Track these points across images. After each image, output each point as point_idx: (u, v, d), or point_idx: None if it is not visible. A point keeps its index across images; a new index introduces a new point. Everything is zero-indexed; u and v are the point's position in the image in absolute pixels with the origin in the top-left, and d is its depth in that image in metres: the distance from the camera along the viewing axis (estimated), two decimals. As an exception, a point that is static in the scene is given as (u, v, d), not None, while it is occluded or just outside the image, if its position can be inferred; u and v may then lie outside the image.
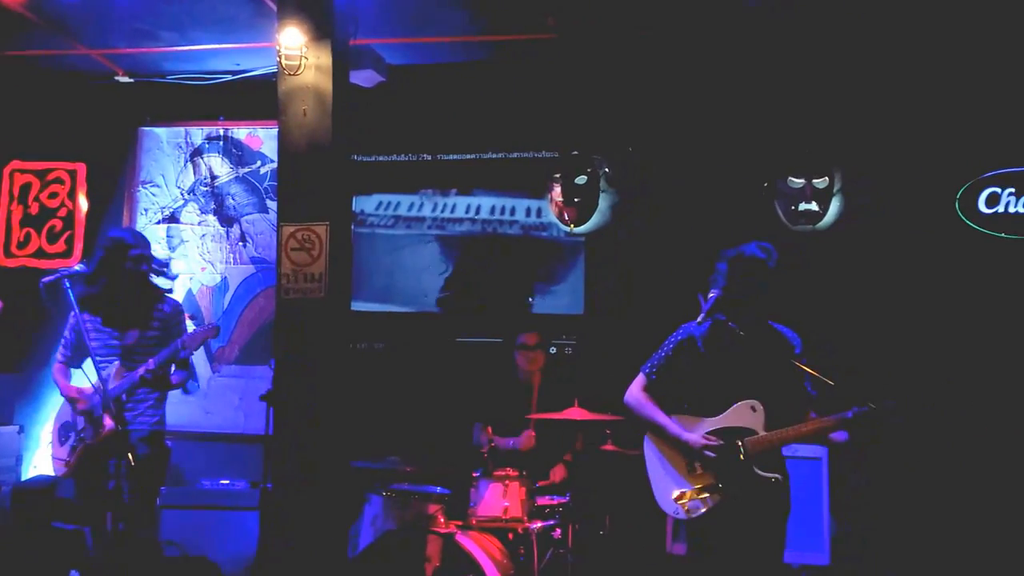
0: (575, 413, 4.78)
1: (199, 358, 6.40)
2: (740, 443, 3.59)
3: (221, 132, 6.63)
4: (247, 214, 6.57)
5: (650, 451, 3.77)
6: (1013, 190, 5.52)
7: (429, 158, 6.39)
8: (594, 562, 4.81)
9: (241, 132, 6.61)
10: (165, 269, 5.03)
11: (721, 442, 3.60)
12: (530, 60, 5.93)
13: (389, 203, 6.42)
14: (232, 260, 6.57)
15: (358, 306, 5.92)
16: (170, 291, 5.09)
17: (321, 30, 4.78)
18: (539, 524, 4.66)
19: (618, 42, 5.66)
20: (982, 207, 5.55)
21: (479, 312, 6.21)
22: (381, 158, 6.42)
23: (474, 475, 4.74)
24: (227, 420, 6.39)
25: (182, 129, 6.69)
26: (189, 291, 6.55)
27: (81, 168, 6.68)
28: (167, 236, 6.63)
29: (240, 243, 6.56)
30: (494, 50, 5.90)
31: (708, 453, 3.59)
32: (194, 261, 6.60)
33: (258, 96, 5.82)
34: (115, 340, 4.59)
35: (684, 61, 5.77)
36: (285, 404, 4.72)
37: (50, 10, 5.44)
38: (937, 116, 5.53)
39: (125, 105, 6.59)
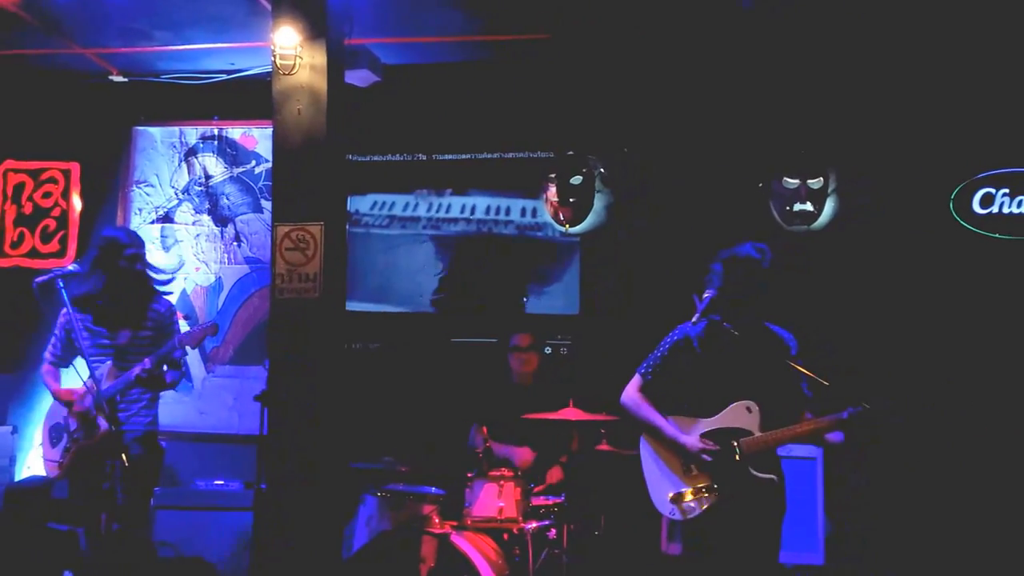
0: (570, 413, 4.78)
1: (193, 359, 6.39)
2: (736, 444, 3.59)
3: (215, 132, 6.61)
4: (241, 214, 6.56)
5: (646, 452, 3.77)
6: (1007, 191, 5.54)
7: (424, 158, 6.38)
8: (589, 562, 4.81)
9: (236, 132, 6.60)
10: (164, 278, 5.03)
11: (718, 447, 3.60)
12: (525, 60, 5.92)
13: (384, 203, 6.41)
14: (226, 260, 6.55)
15: (353, 306, 5.92)
16: (167, 283, 5.09)
17: (316, 29, 4.77)
18: (534, 524, 4.65)
19: (613, 43, 5.66)
20: (976, 208, 5.57)
21: (474, 312, 6.20)
22: (376, 158, 6.42)
23: (469, 475, 4.73)
24: (221, 420, 6.38)
25: (176, 129, 6.67)
26: (183, 291, 6.54)
27: (75, 168, 6.66)
28: (161, 236, 6.62)
29: (234, 243, 6.54)
30: (490, 50, 5.90)
31: (704, 457, 3.59)
32: (188, 261, 6.58)
33: (253, 96, 5.80)
34: (108, 340, 4.57)
35: (679, 62, 5.78)
36: (280, 404, 4.71)
37: (44, 9, 5.43)
38: (932, 117, 5.54)
39: (119, 104, 6.57)
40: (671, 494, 3.65)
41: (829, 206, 5.78)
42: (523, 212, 6.24)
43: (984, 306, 5.39)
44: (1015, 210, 5.53)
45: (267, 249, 5.31)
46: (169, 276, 6.33)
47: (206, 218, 6.59)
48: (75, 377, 4.52)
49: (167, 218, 6.64)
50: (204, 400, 6.44)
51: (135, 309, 4.63)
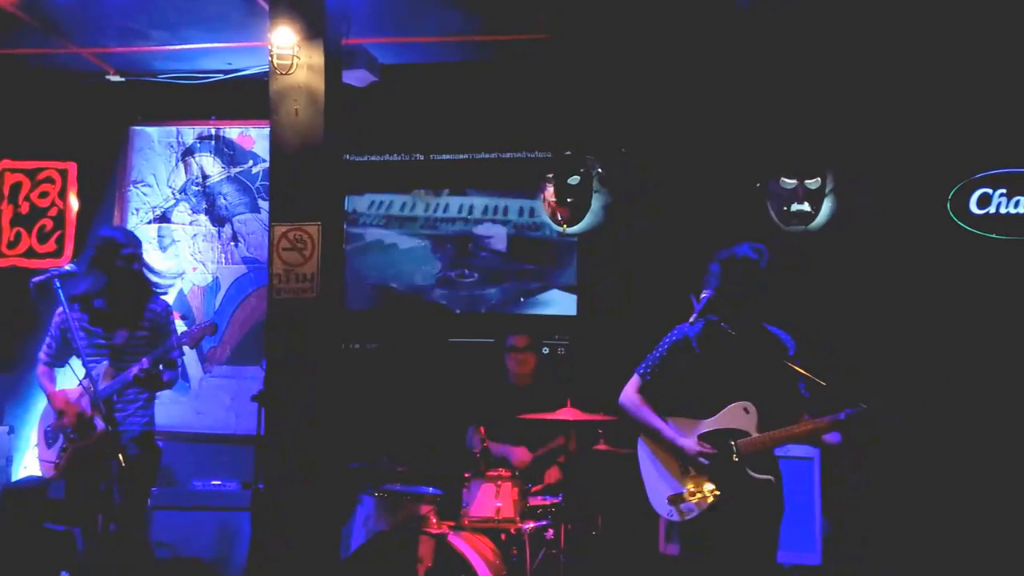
0: (568, 413, 4.78)
1: (191, 359, 6.38)
2: (733, 445, 3.59)
3: (213, 131, 6.61)
4: (239, 214, 6.55)
5: (644, 453, 3.77)
6: (1004, 191, 5.54)
7: (422, 158, 6.38)
8: (587, 563, 4.81)
9: (233, 131, 6.59)
10: (163, 283, 5.02)
11: (715, 450, 3.60)
12: (523, 60, 5.92)
13: (381, 203, 6.41)
14: (224, 260, 6.55)
15: (350, 306, 5.92)
16: (164, 292, 5.08)
17: (313, 29, 4.77)
18: (531, 524, 4.65)
19: (611, 43, 5.66)
20: (973, 208, 5.57)
21: (472, 312, 6.20)
22: (373, 158, 6.41)
23: (466, 475, 4.73)
24: (218, 421, 6.37)
25: (173, 128, 6.66)
26: (180, 291, 6.53)
27: (72, 167, 6.65)
28: (158, 236, 6.61)
29: (232, 243, 6.54)
30: (487, 50, 5.90)
31: (702, 460, 3.59)
32: (185, 261, 6.58)
33: (250, 95, 5.80)
34: (104, 340, 4.56)
35: (677, 62, 5.78)
36: (277, 404, 4.71)
37: (42, 9, 5.42)
38: (929, 117, 5.55)
39: (116, 104, 6.56)
40: (669, 495, 3.65)
41: (826, 206, 5.79)
42: (521, 212, 6.23)
43: (981, 306, 5.39)
44: (1012, 210, 5.54)
45: (264, 249, 5.31)
46: (169, 282, 6.34)
47: (203, 218, 6.58)
48: (71, 377, 4.51)
49: (164, 218, 6.63)
50: (201, 400, 6.43)
51: (132, 309, 4.63)
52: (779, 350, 3.69)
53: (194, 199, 6.60)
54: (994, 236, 5.53)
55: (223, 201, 6.57)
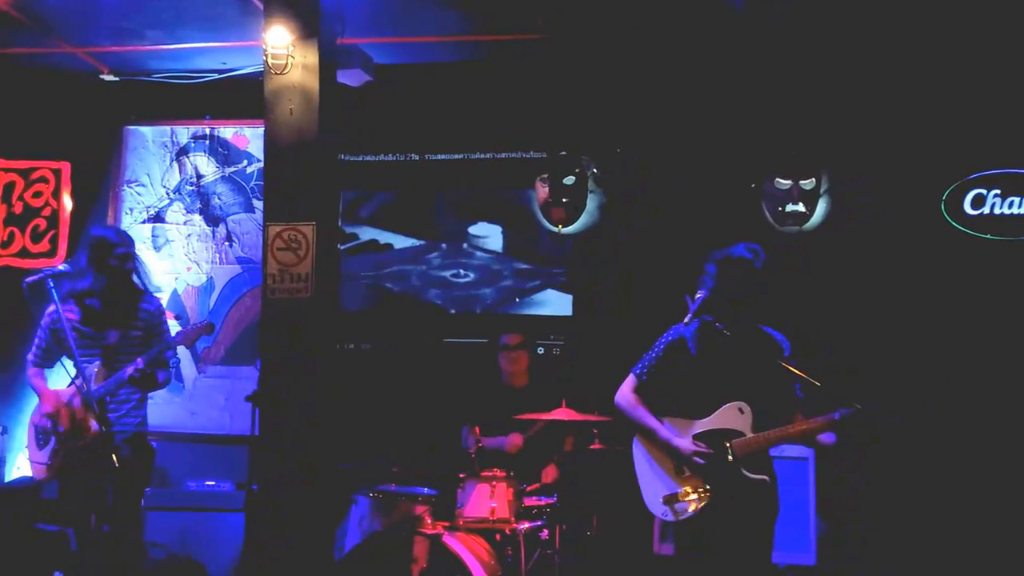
0: (563, 414, 4.78)
1: (185, 359, 6.37)
2: (728, 445, 3.59)
3: (207, 131, 6.59)
4: (233, 214, 6.54)
5: (639, 452, 3.77)
6: (998, 191, 5.55)
7: (417, 158, 6.37)
8: (581, 563, 4.81)
9: (227, 131, 6.58)
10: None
11: (710, 450, 3.60)
12: (518, 60, 5.92)
13: (378, 202, 6.40)
14: (218, 260, 6.53)
15: (345, 306, 5.92)
16: (158, 290, 5.07)
17: (308, 29, 4.76)
18: (526, 525, 4.65)
19: (606, 43, 5.66)
20: (968, 208, 5.58)
21: (467, 312, 6.20)
22: (368, 158, 6.40)
23: (461, 476, 4.73)
24: (213, 421, 6.36)
25: (168, 128, 6.65)
26: (175, 291, 6.52)
27: (66, 167, 6.63)
28: (152, 236, 6.59)
29: (226, 243, 6.52)
30: (482, 50, 5.90)
31: (697, 460, 3.59)
32: (180, 261, 6.56)
33: (245, 95, 5.79)
34: (97, 340, 4.54)
35: (672, 63, 5.78)
36: (271, 405, 4.70)
37: (36, 8, 5.41)
38: (923, 118, 5.56)
39: (110, 104, 6.55)
40: (664, 495, 3.65)
41: (821, 207, 5.79)
42: (516, 212, 6.22)
43: (975, 307, 5.40)
44: (1006, 211, 5.55)
45: (259, 249, 5.30)
46: (158, 285, 6.33)
47: (197, 218, 6.57)
48: (64, 378, 4.50)
49: (158, 218, 6.62)
50: (195, 400, 6.41)
51: (125, 309, 4.61)
52: (774, 350, 3.69)
53: (188, 199, 6.59)
54: (988, 237, 5.54)
55: (217, 201, 6.56)
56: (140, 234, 6.50)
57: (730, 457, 3.58)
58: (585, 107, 6.01)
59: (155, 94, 6.37)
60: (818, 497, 5.01)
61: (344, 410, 5.11)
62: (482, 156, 6.28)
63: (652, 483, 3.70)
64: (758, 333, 3.73)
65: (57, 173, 6.63)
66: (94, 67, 6.25)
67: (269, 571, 4.63)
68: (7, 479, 6.16)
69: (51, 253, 6.55)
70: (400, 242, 6.33)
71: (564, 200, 6.06)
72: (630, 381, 3.82)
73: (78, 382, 4.27)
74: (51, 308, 4.47)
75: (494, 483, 4.65)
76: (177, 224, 6.60)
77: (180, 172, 6.62)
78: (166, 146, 6.65)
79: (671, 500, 3.63)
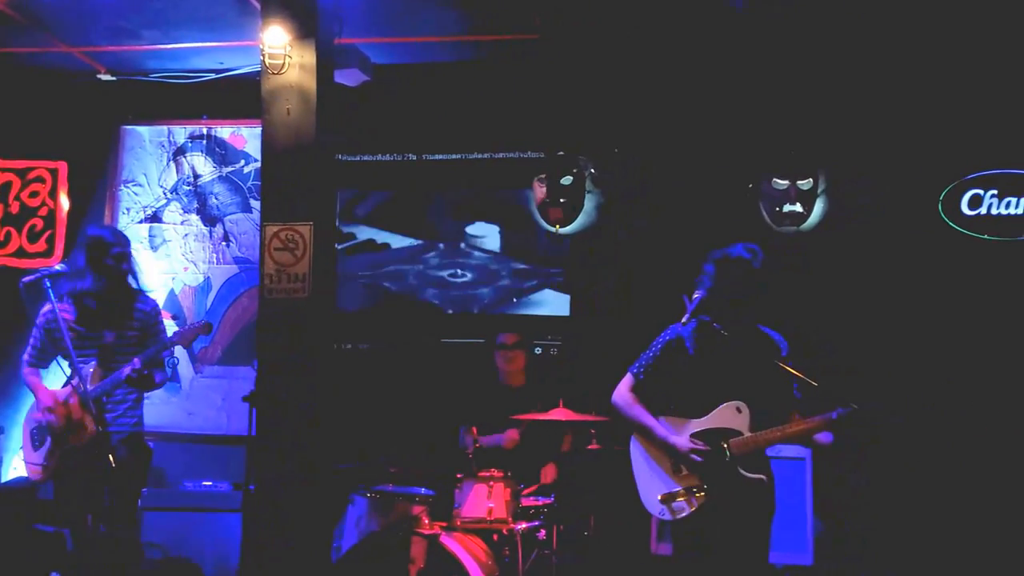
0: (560, 414, 4.77)
1: (182, 359, 6.36)
2: (725, 444, 3.59)
3: (204, 131, 6.59)
4: (230, 214, 6.53)
5: (636, 451, 3.77)
6: (996, 192, 5.56)
7: (414, 158, 6.37)
8: (579, 563, 4.81)
9: (224, 131, 6.57)
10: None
11: (708, 447, 3.60)
12: (516, 60, 5.92)
13: (374, 201, 6.40)
14: (215, 260, 6.53)
15: (342, 306, 5.91)
16: (150, 290, 5.06)
17: (305, 29, 4.76)
18: (524, 525, 4.65)
19: (604, 43, 5.66)
20: (965, 209, 5.58)
21: (465, 312, 6.20)
22: (366, 158, 6.40)
23: (458, 476, 4.73)
24: (210, 421, 6.35)
25: (165, 128, 6.64)
26: (171, 291, 6.51)
27: (62, 167, 6.62)
28: (149, 235, 6.59)
29: (223, 243, 6.52)
30: (480, 50, 5.89)
31: (694, 457, 3.59)
32: (177, 261, 6.55)
33: (242, 95, 5.78)
34: (93, 340, 4.53)
35: (670, 62, 5.78)
36: (269, 405, 4.69)
37: (32, 8, 5.40)
38: (921, 118, 5.56)
39: (107, 103, 6.54)
40: (661, 494, 3.64)
41: (818, 207, 5.80)
42: (513, 212, 6.22)
43: (972, 307, 5.40)
44: (1003, 211, 5.55)
45: (256, 249, 5.29)
46: (151, 288, 6.32)
47: (195, 218, 6.56)
48: (60, 378, 4.49)
49: (155, 218, 6.61)
50: (192, 400, 6.41)
51: (121, 309, 4.60)
52: (772, 350, 3.69)
53: (185, 199, 6.58)
54: (985, 237, 5.54)
55: (215, 201, 6.55)
56: (137, 234, 6.49)
57: (727, 456, 3.58)
58: (583, 107, 6.01)
59: (152, 94, 6.36)
60: (815, 497, 5.01)
61: (342, 410, 5.11)
62: (480, 156, 6.27)
63: (649, 481, 3.69)
64: (756, 333, 3.73)
65: (54, 173, 6.63)
66: (91, 67, 6.25)
67: (267, 571, 4.62)
68: (4, 479, 6.15)
69: (48, 253, 6.54)
70: (397, 242, 6.33)
71: (562, 200, 6.05)
72: (627, 380, 3.82)
73: (74, 382, 4.26)
74: (46, 308, 4.46)
75: (491, 483, 4.64)
76: (174, 224, 6.59)
77: (177, 172, 6.61)
78: (163, 146, 6.65)
79: (668, 499, 3.62)
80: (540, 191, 6.10)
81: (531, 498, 4.86)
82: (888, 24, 5.28)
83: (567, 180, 6.05)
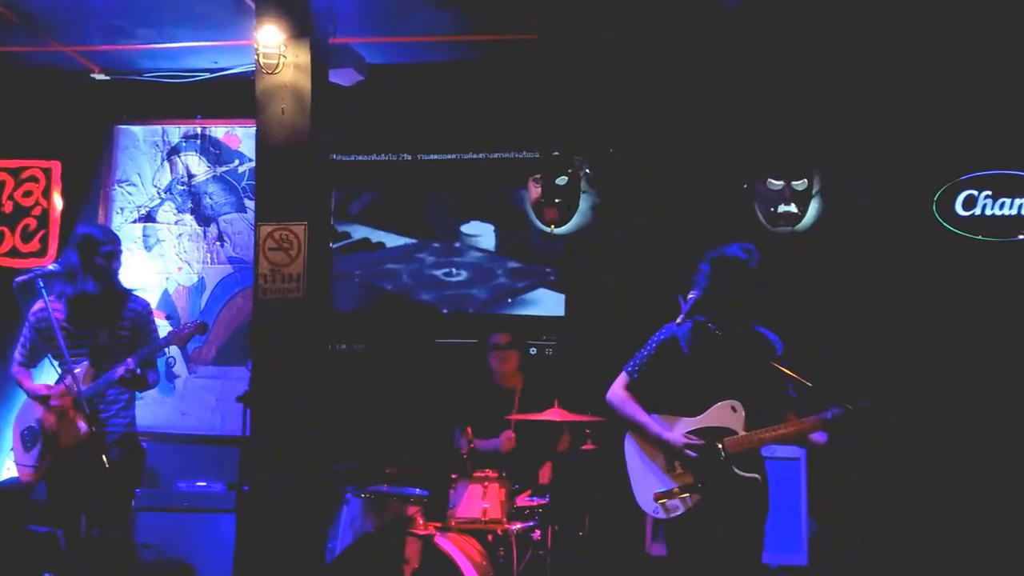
0: (555, 414, 4.77)
1: (176, 359, 6.34)
2: (720, 443, 3.59)
3: (199, 130, 6.57)
4: (224, 213, 6.52)
5: (631, 449, 3.76)
6: (990, 193, 5.57)
7: (409, 158, 6.36)
8: (574, 563, 4.80)
9: (219, 131, 6.56)
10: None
11: (702, 442, 3.60)
12: (511, 60, 5.92)
13: (370, 201, 6.39)
14: (209, 260, 6.51)
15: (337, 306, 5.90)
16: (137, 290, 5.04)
17: (300, 28, 4.75)
18: (519, 525, 4.65)
19: (599, 43, 5.66)
20: (959, 210, 5.60)
21: (459, 312, 6.19)
22: (360, 157, 6.39)
23: (453, 476, 4.72)
24: (204, 421, 6.33)
25: (159, 127, 6.62)
26: (165, 291, 6.49)
27: (56, 166, 6.60)
28: (143, 235, 6.57)
29: (217, 243, 6.50)
30: (475, 50, 5.89)
31: (689, 452, 3.59)
32: (171, 261, 6.54)
33: (236, 94, 5.77)
34: (85, 339, 4.52)
35: (665, 63, 5.78)
36: (263, 406, 4.68)
37: (25, 7, 5.38)
38: (915, 119, 5.57)
39: (101, 103, 6.52)
40: (655, 492, 3.64)
41: (813, 208, 5.80)
42: (509, 211, 6.21)
43: (967, 308, 5.41)
44: (997, 212, 5.56)
45: (250, 249, 5.29)
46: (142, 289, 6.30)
47: (189, 217, 6.55)
48: (52, 376, 4.47)
49: (149, 217, 6.59)
50: (186, 401, 6.39)
51: (112, 308, 4.59)
52: (767, 350, 3.70)
53: (179, 198, 6.57)
54: (979, 238, 5.56)
55: (209, 200, 6.53)
56: (131, 234, 6.47)
57: (722, 455, 3.58)
58: (578, 107, 6.01)
59: (146, 93, 6.34)
60: (810, 497, 5.02)
61: (336, 411, 5.09)
62: (475, 156, 6.27)
63: (643, 479, 3.69)
64: (751, 333, 3.74)
65: (47, 172, 6.60)
66: (85, 66, 6.22)
67: (261, 572, 4.61)
68: (-3, 480, 6.13)
69: (41, 253, 6.52)
70: (392, 240, 6.32)
71: (557, 200, 6.05)
72: (622, 379, 3.82)
73: (67, 381, 4.25)
74: (37, 306, 4.45)
75: (486, 484, 4.65)
76: (168, 224, 6.57)
77: (171, 172, 6.59)
78: (157, 145, 6.63)
79: (662, 497, 3.62)
80: (535, 191, 6.10)
81: (526, 499, 4.85)
82: (882, 25, 5.28)
83: (562, 180, 6.05)
